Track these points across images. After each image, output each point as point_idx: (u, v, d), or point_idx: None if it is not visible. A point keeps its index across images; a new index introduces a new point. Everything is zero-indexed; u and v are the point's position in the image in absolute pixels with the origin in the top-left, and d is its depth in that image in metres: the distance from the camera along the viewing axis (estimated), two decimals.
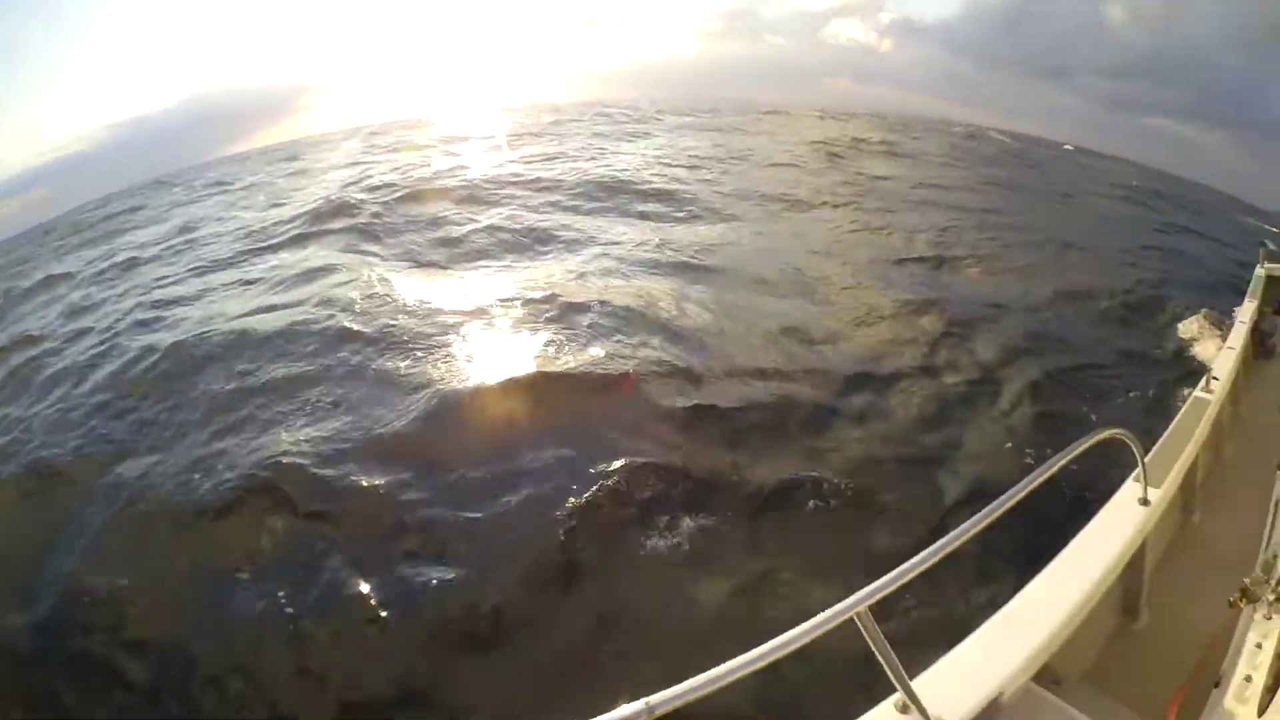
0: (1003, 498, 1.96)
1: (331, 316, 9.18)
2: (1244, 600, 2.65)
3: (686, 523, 5.31)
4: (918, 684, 1.69)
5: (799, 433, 6.79)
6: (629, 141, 30.45)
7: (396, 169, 24.13)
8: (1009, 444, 6.97)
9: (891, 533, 5.40)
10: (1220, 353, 5.27)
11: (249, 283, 12.12)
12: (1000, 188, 27.36)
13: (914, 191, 22.08)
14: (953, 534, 1.77)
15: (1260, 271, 8.03)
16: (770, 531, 5.40)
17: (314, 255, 13.37)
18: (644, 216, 15.75)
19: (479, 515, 5.32)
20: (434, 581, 4.72)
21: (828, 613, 1.46)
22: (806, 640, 1.38)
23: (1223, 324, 10.45)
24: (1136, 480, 2.79)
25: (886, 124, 57.74)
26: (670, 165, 22.89)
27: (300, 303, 10.07)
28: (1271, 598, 2.53)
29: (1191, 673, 2.73)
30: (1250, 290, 7.36)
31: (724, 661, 1.28)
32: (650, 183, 19.40)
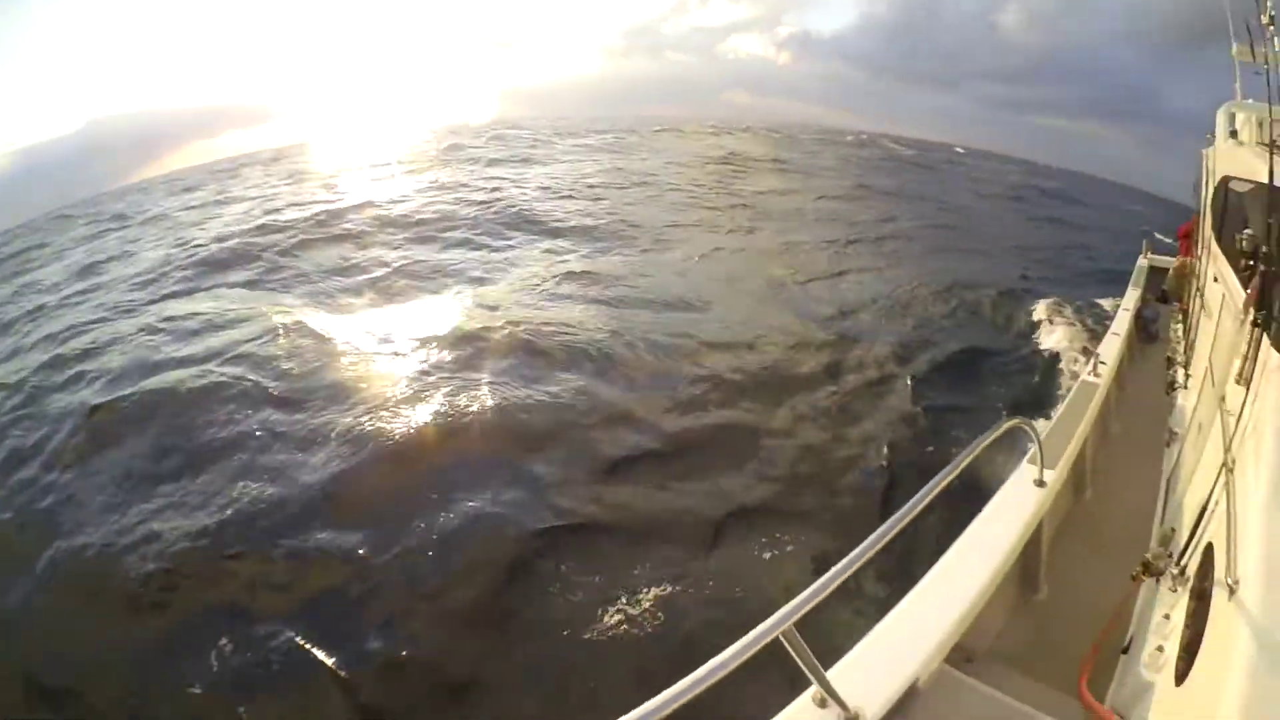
0: (917, 496, 1.97)
1: (241, 371, 9.02)
2: (1146, 573, 2.72)
3: (610, 556, 5.51)
4: (833, 675, 1.68)
5: (718, 454, 7.07)
6: (525, 166, 31.28)
7: (295, 203, 23.82)
8: (910, 436, 7.58)
9: (809, 546, 5.63)
10: (1106, 338, 5.50)
11: (157, 331, 11.70)
12: (889, 195, 29.64)
13: (805, 204, 23.88)
14: (872, 538, 1.76)
15: (1143, 262, 8.68)
16: (695, 553, 5.60)
17: (216, 301, 13.09)
18: (539, 247, 16.37)
19: (403, 573, 5.39)
20: (364, 641, 4.77)
21: (754, 633, 1.45)
22: (737, 664, 1.38)
23: (1062, 311, 12.12)
24: (1031, 463, 2.82)
25: (780, 138, 60.54)
26: (562, 194, 23.69)
27: (210, 356, 9.85)
28: (1175, 571, 2.56)
29: (1097, 643, 2.78)
30: (1134, 279, 7.92)
31: (657, 693, 1.28)
32: (547, 213, 20.18)
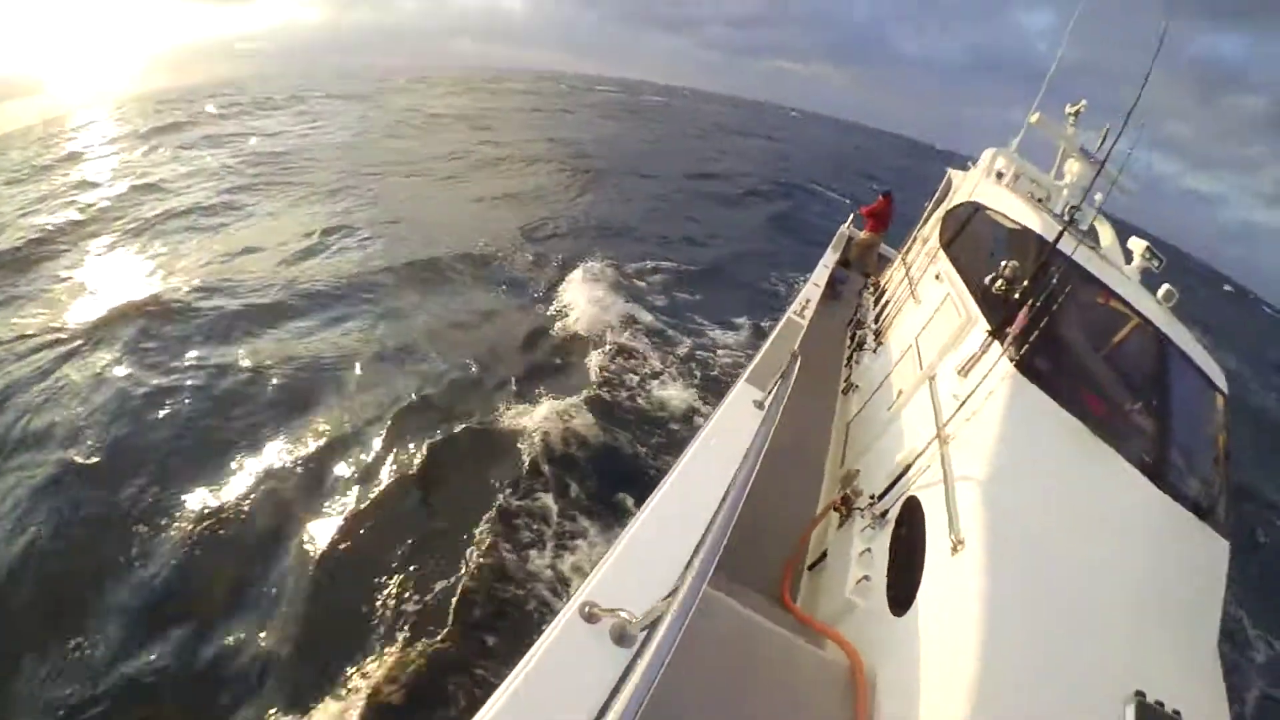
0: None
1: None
2: (844, 508, 3.01)
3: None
4: (595, 592, 1.65)
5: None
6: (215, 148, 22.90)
7: None
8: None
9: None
10: (807, 286, 5.84)
11: None
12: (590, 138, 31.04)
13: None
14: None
15: (843, 230, 9.66)
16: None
17: None
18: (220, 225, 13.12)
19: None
20: None
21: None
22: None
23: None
24: (752, 382, 2.97)
25: (488, 89, 59.24)
26: (266, 173, 18.29)
27: None
28: (876, 513, 2.91)
29: (790, 560, 3.07)
30: (833, 244, 8.68)
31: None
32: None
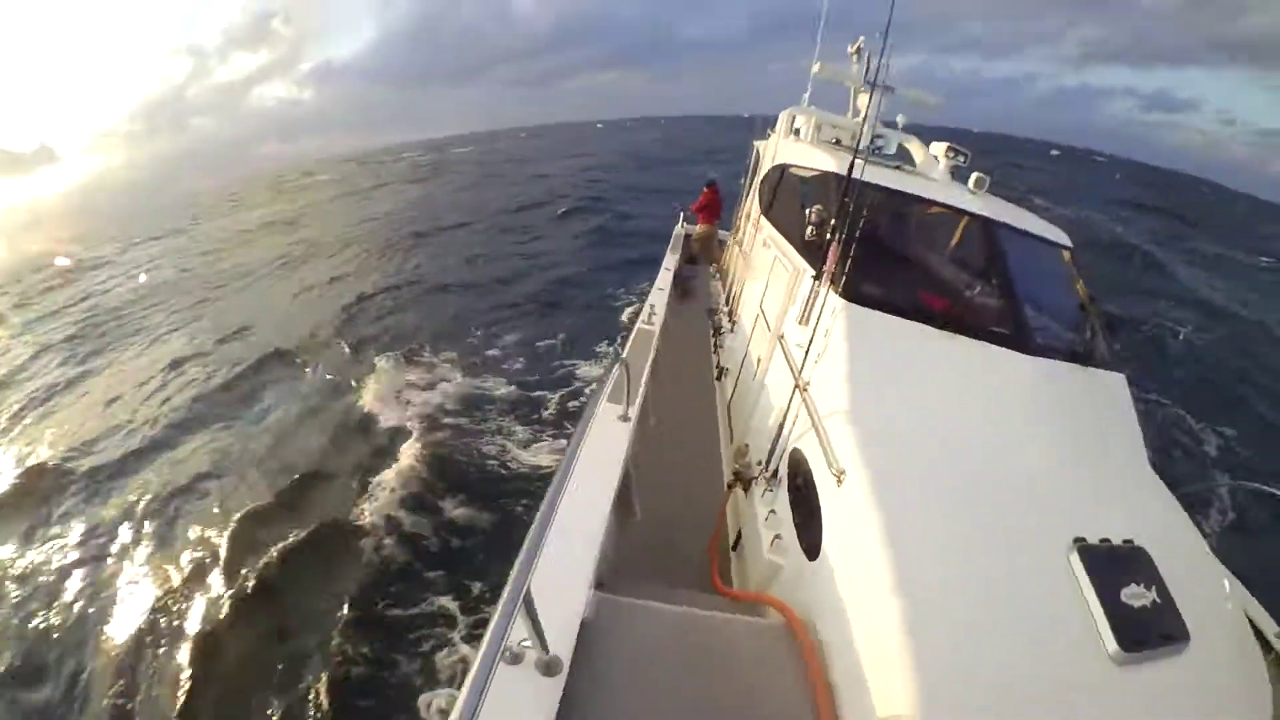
0: (559, 469, 1.83)
1: None
2: (739, 482, 3.02)
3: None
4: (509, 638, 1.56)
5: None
6: None
7: None
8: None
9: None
10: (653, 292, 5.96)
11: None
12: (397, 212, 30.90)
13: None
14: (543, 507, 1.56)
15: (679, 230, 10.03)
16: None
17: None
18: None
19: None
20: None
21: (488, 666, 1.27)
22: (494, 703, 1.26)
23: None
24: (613, 401, 2.98)
25: (293, 184, 58.31)
26: None
27: None
28: (767, 476, 2.97)
29: (711, 545, 3.07)
30: (671, 245, 9.11)
31: None
32: None
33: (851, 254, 2.98)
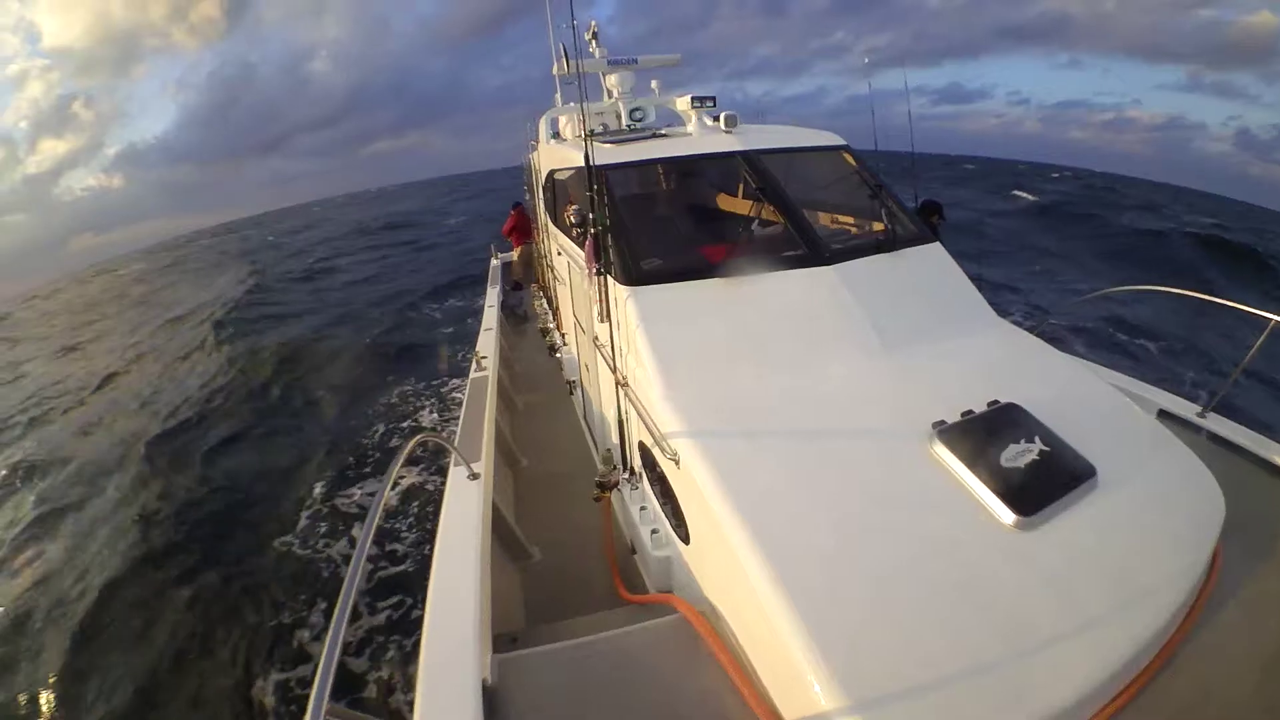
0: (363, 534, 1.76)
1: None
2: (604, 491, 3.06)
3: None
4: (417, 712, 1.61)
5: None
6: None
7: None
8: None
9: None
10: (480, 335, 5.73)
11: None
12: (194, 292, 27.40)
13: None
14: (344, 591, 1.52)
15: (494, 262, 9.82)
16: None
17: None
18: None
19: None
20: None
21: None
22: None
23: None
24: (458, 464, 2.89)
25: (97, 285, 49.21)
26: None
27: None
28: (625, 476, 3.03)
29: (609, 558, 3.10)
30: (490, 279, 8.83)
31: None
32: None
33: (623, 239, 2.97)
